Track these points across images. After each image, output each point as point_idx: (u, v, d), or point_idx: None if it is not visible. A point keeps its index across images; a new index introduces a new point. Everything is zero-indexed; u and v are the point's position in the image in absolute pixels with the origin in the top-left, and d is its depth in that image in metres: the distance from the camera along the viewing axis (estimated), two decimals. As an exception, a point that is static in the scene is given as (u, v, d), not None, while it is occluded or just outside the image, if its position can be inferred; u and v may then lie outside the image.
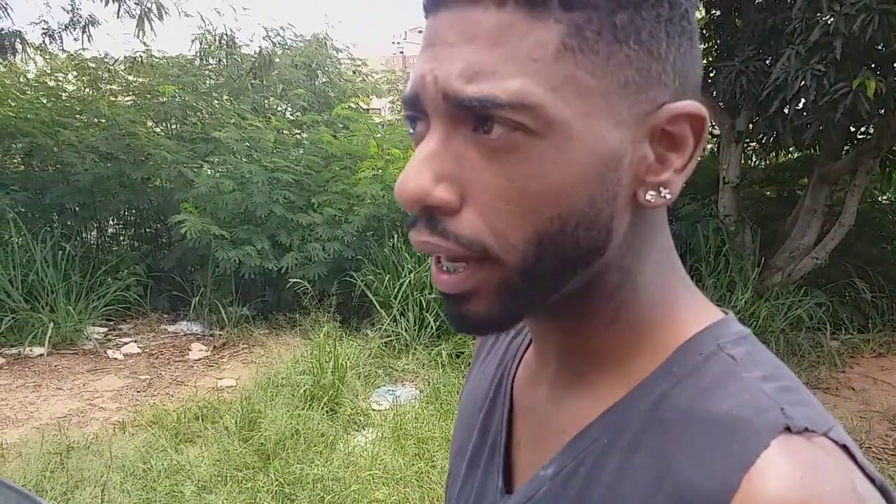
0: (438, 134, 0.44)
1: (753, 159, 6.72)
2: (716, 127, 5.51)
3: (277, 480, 3.12)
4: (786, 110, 4.51)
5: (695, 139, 0.45)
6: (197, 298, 5.40)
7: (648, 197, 0.45)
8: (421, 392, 4.22)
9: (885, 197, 6.55)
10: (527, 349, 0.62)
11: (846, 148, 5.34)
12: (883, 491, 0.42)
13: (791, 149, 5.81)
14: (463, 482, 0.61)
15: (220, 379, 4.48)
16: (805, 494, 0.38)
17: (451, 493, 0.64)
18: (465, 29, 0.43)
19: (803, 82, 4.07)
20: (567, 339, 0.52)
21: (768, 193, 6.62)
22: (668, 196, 0.46)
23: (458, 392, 4.10)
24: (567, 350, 0.53)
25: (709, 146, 6.57)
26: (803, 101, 4.28)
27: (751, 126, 5.33)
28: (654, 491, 0.43)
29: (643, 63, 0.43)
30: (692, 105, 0.45)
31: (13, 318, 4.81)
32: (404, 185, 0.44)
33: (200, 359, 4.82)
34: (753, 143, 5.90)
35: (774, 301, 4.96)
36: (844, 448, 0.42)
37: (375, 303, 4.94)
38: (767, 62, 4.61)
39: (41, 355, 4.67)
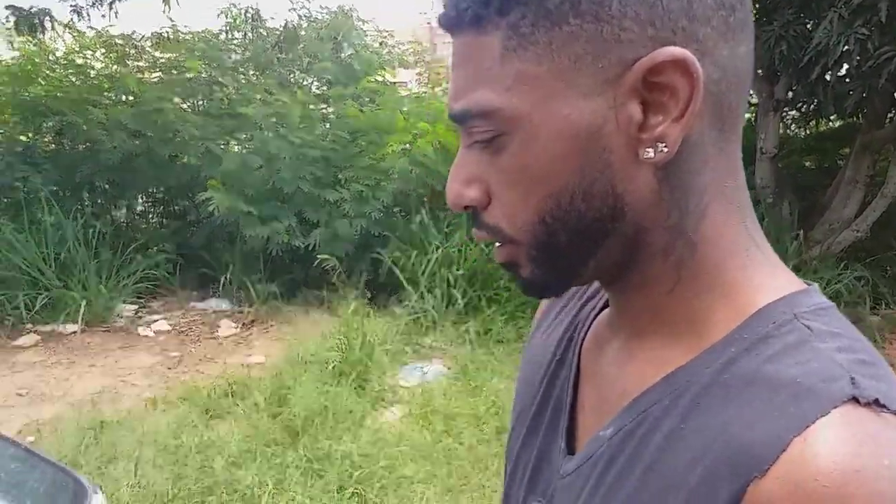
0: (462, 145, 0.52)
1: (793, 128, 6.51)
2: (753, 95, 5.32)
3: (306, 456, 3.13)
4: (827, 77, 4.34)
5: (688, 83, 0.44)
6: (226, 276, 5.43)
7: (647, 154, 0.45)
8: (449, 369, 4.19)
9: (930, 166, 6.29)
10: (598, 314, 0.62)
11: (890, 115, 5.13)
12: None
13: (832, 117, 5.60)
14: (523, 443, 0.63)
15: (249, 356, 4.51)
16: (858, 464, 0.37)
17: (511, 455, 0.65)
18: (454, 54, 0.50)
19: (846, 47, 3.90)
20: (633, 305, 0.53)
21: (808, 164, 6.42)
22: (666, 150, 0.45)
23: (485, 369, 4.07)
24: (635, 315, 0.54)
25: (746, 115, 6.37)
26: (846, 66, 4.11)
27: (790, 94, 5.14)
28: (703, 454, 0.43)
29: (591, 31, 0.44)
30: (666, 52, 0.43)
31: (47, 295, 4.89)
32: (447, 194, 0.52)
33: (230, 336, 4.86)
34: (793, 112, 5.71)
35: (813, 275, 4.81)
36: None
37: (402, 280, 4.91)
38: (808, 26, 4.41)
39: (74, 332, 4.74)
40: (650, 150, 0.45)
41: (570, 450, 0.57)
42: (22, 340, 4.60)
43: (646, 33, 0.43)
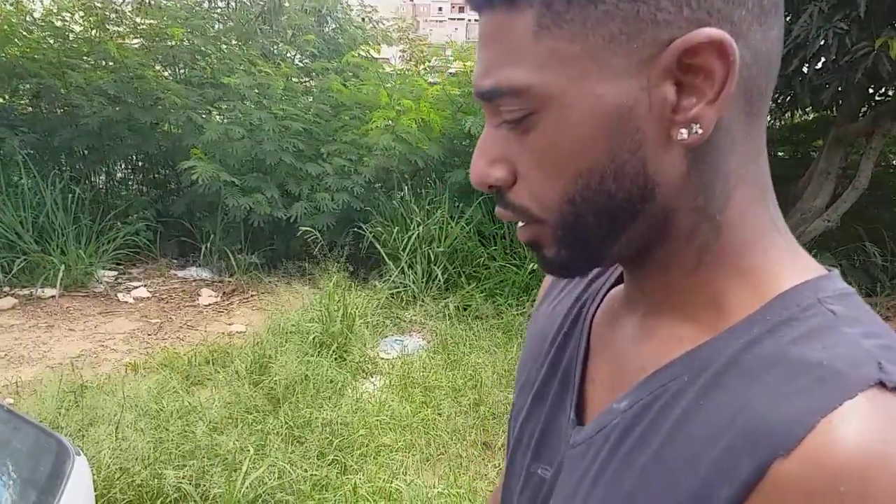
0: (488, 124, 0.51)
1: (769, 119, 6.63)
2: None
3: (287, 423, 3.19)
4: (805, 69, 4.43)
5: (723, 65, 0.43)
6: (206, 245, 5.43)
7: (680, 136, 0.45)
8: (428, 343, 4.27)
9: (899, 161, 6.48)
10: (610, 289, 0.62)
11: (864, 109, 5.26)
12: None
13: (808, 109, 5.72)
14: (527, 415, 0.63)
15: (230, 324, 4.53)
16: (882, 447, 0.37)
17: (514, 426, 0.65)
18: (482, 32, 0.49)
19: (824, 41, 3.98)
20: (654, 285, 0.53)
21: (782, 154, 6.55)
22: (700, 131, 0.45)
23: (464, 343, 4.15)
24: (654, 294, 0.54)
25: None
26: (823, 60, 4.19)
27: (768, 85, 5.24)
28: (724, 430, 0.43)
29: (627, 11, 0.43)
30: (703, 33, 0.43)
31: (25, 259, 4.85)
32: (471, 173, 0.52)
33: (210, 304, 4.87)
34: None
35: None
36: None
37: (384, 254, 4.96)
38: (788, 19, 4.51)
39: (53, 297, 4.72)
40: (684, 131, 0.45)
41: (580, 420, 0.57)
42: (-1, 303, 4.58)
43: (682, 14, 0.43)
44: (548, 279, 0.74)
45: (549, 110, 0.46)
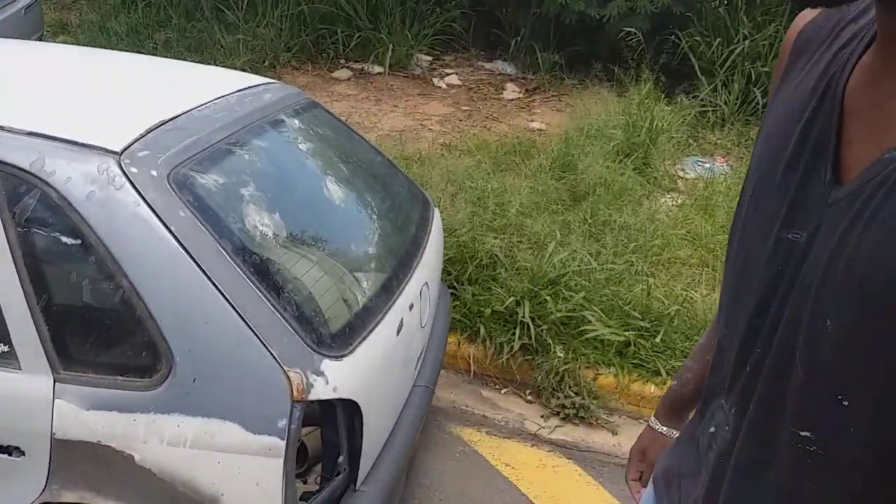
0: None
1: None
2: None
3: (587, 220, 3.33)
4: None
5: None
6: (515, 40, 5.50)
7: None
8: (732, 170, 4.05)
9: None
10: (859, 58, 0.61)
11: None
12: None
13: None
14: (777, 187, 0.63)
15: (531, 121, 4.69)
16: None
17: (750, 202, 0.67)
18: None
19: None
20: None
21: None
22: None
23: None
24: None
25: None
26: None
27: None
28: None
29: None
30: None
31: (359, 35, 5.36)
32: None
33: (513, 99, 5.05)
34: None
35: None
36: None
37: (697, 68, 4.64)
38: None
39: (380, 73, 5.22)
40: None
41: (837, 179, 0.58)
42: (338, 73, 5.19)
43: None
44: (784, 57, 0.71)
45: None
